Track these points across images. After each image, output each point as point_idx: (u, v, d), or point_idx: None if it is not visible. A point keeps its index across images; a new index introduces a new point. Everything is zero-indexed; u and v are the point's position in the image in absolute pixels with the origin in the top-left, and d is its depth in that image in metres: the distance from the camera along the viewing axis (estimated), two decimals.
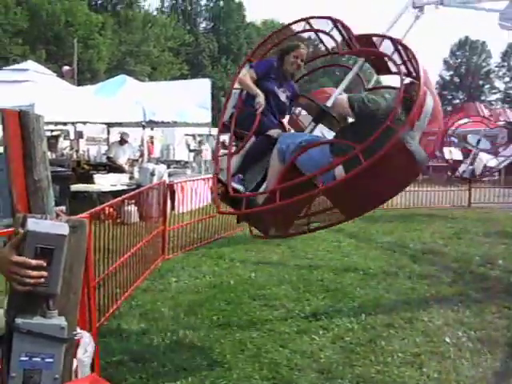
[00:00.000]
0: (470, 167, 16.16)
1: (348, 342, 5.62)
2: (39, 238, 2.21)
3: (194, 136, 31.02)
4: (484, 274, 8.55)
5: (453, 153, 17.75)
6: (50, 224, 2.30)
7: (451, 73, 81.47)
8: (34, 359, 2.22)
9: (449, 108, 74.32)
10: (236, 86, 5.59)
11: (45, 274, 2.18)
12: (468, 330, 6.00)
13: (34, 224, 2.24)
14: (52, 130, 20.94)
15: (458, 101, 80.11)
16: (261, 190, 5.16)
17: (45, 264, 2.19)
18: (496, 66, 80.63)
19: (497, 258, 9.55)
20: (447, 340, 5.70)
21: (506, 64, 79.20)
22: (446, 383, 4.71)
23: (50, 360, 2.24)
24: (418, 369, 4.97)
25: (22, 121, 3.17)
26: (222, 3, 70.78)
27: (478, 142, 16.74)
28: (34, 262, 2.17)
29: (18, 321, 2.22)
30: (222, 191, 5.27)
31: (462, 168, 16.46)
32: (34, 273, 2.17)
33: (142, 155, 16.46)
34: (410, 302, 7.06)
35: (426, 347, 5.51)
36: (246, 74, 5.45)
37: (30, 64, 14.85)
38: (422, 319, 6.34)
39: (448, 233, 12.07)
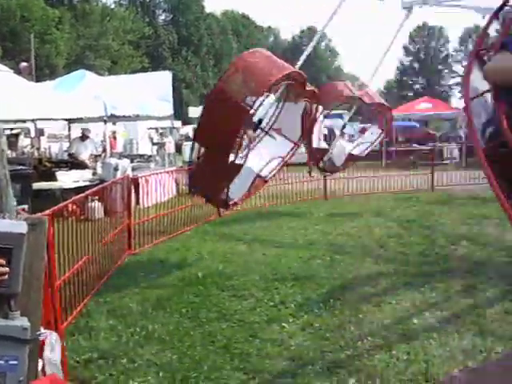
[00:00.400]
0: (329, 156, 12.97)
1: (317, 329, 5.65)
2: None
3: (156, 129, 30.75)
4: (448, 255, 8.68)
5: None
6: (8, 223, 2.25)
7: (410, 58, 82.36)
8: None
9: (410, 94, 75.26)
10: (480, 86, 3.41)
11: (6, 270, 2.13)
12: (435, 311, 6.09)
13: None
14: (12, 129, 20.52)
15: (418, 86, 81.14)
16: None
17: (4, 263, 2.15)
18: (454, 51, 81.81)
19: (461, 238, 9.71)
20: (415, 321, 5.78)
21: (463, 49, 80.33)
22: (415, 364, 4.77)
23: (14, 362, 2.20)
24: (388, 351, 5.01)
25: None
26: None
27: (344, 126, 14.11)
28: None
29: None
30: None
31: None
32: None
33: (104, 150, 16.25)
34: (377, 285, 7.14)
35: (394, 330, 5.58)
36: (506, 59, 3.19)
37: None
38: (390, 302, 6.41)
39: (413, 216, 12.22)
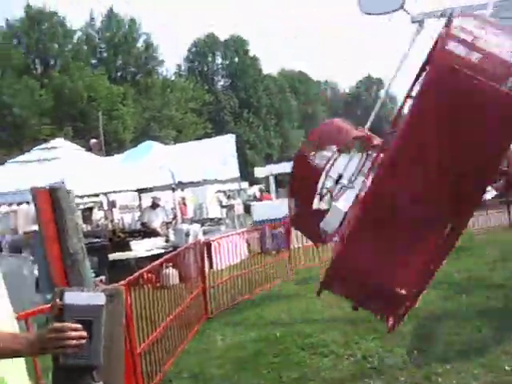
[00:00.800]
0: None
1: (403, 382, 5.45)
2: (77, 311, 2.21)
3: (224, 192, 31.21)
4: None
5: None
6: (87, 296, 2.30)
7: None
8: None
9: None
10: None
11: (84, 334, 2.17)
12: None
13: (71, 297, 2.24)
14: (85, 203, 21.27)
15: None
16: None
17: (85, 335, 2.19)
18: None
19: None
20: (507, 368, 5.49)
21: None
22: None
23: None
24: None
25: (53, 197, 3.22)
26: (237, 59, 72.20)
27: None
28: (72, 325, 2.16)
29: None
30: None
31: None
32: (74, 333, 2.15)
33: (175, 217, 16.57)
34: (462, 334, 6.85)
35: (486, 378, 5.31)
36: None
37: (58, 142, 15.27)
38: (478, 348, 6.13)
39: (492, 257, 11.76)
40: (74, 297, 2.26)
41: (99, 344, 2.25)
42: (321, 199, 9.33)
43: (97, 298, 2.28)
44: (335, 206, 9.12)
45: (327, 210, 8.76)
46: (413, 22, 10.24)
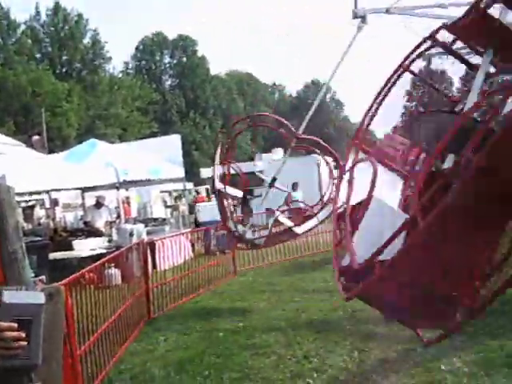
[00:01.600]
0: None
1: (343, 382, 5.55)
2: (15, 310, 2.17)
3: (169, 192, 31.00)
4: None
5: None
6: (26, 294, 2.27)
7: (415, 103, 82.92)
8: None
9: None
10: None
11: (22, 334, 2.13)
12: (463, 356, 5.95)
13: (9, 296, 2.20)
14: (27, 201, 20.78)
15: None
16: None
17: (24, 335, 2.15)
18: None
19: None
20: (443, 368, 5.65)
21: None
22: None
23: None
24: None
25: None
26: (185, 59, 71.85)
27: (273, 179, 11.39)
28: (9, 324, 2.12)
29: None
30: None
31: None
32: (10, 334, 2.11)
33: (118, 216, 16.38)
34: (401, 334, 6.99)
35: (422, 377, 5.46)
36: None
37: None
38: (414, 349, 6.28)
39: None
40: (12, 295, 2.22)
41: (38, 344, 2.22)
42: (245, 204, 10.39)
43: (36, 296, 2.25)
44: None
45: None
46: (355, 17, 10.06)
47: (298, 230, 10.02)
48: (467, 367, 5.64)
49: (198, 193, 29.47)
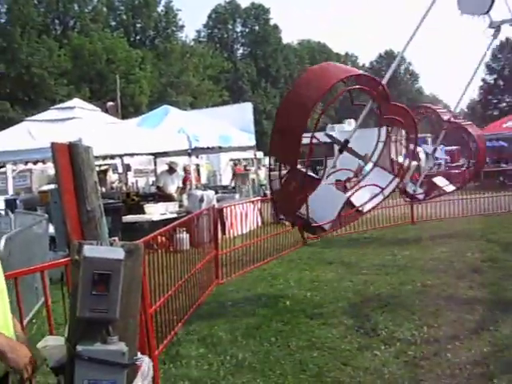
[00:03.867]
0: None
1: (412, 356, 5.46)
2: (96, 264, 2.21)
3: (239, 160, 31.18)
4: None
5: None
6: (106, 249, 2.30)
7: (495, 76, 79.85)
8: None
9: (495, 113, 72.83)
10: None
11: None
12: None
13: (90, 250, 2.25)
14: (100, 165, 21.34)
15: (504, 104, 78.38)
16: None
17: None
18: None
19: None
20: None
21: None
22: None
23: None
24: (489, 380, 4.77)
25: (72, 152, 3.20)
26: (257, 28, 71.50)
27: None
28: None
29: (79, 348, 2.22)
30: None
31: None
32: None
33: (188, 182, 16.60)
34: (473, 312, 6.83)
35: (494, 357, 5.30)
36: None
37: (75, 102, 15.20)
38: (488, 329, 6.11)
39: (508, 238, 11.71)
40: (92, 250, 2.26)
41: (116, 299, 2.25)
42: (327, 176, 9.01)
43: (116, 252, 2.28)
44: (339, 193, 8.92)
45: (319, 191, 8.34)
46: (491, 27, 10.64)
47: (365, 208, 8.87)
48: None
49: (235, 164, 28.69)
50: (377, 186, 8.75)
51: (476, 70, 11.68)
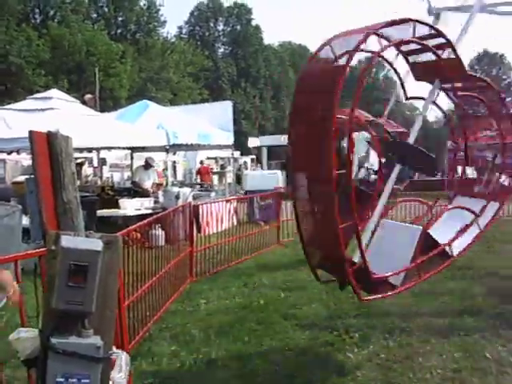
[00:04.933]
0: None
1: (384, 359, 5.48)
2: (73, 255, 2.16)
3: (216, 159, 31.14)
4: None
5: None
6: (84, 240, 2.26)
7: None
8: (71, 380, 2.16)
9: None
10: None
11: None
12: (507, 343, 5.81)
13: (68, 240, 2.19)
14: (76, 158, 21.12)
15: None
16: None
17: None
18: None
19: None
20: (487, 355, 5.51)
21: None
22: None
23: (87, 381, 2.19)
24: None
25: (50, 142, 3.14)
26: (239, 27, 71.45)
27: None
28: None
29: (53, 340, 2.17)
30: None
31: None
32: None
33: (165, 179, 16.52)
34: (445, 317, 6.88)
35: (465, 363, 5.34)
36: None
37: (53, 92, 14.99)
38: (459, 333, 6.16)
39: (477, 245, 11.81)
40: (70, 240, 2.21)
41: (93, 291, 2.21)
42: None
43: (94, 243, 2.24)
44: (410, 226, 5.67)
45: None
46: (430, 14, 10.27)
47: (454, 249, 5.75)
48: None
49: (201, 162, 27.85)
50: (468, 210, 5.92)
51: None
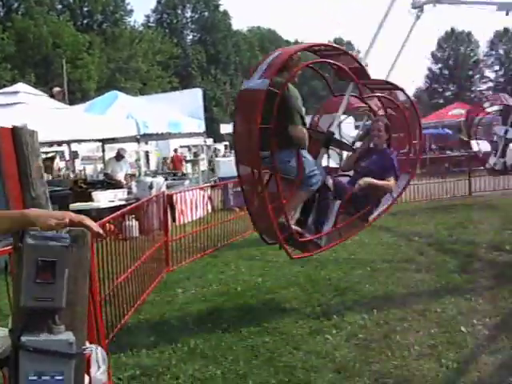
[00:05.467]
0: (502, 159, 15.41)
1: (362, 339, 5.53)
2: (40, 251, 2.12)
3: (188, 147, 31.00)
4: (492, 261, 8.47)
5: (481, 145, 16.94)
6: (50, 236, 2.21)
7: (440, 66, 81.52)
8: (44, 378, 2.13)
9: (440, 101, 74.33)
10: None
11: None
12: (482, 318, 5.91)
13: (34, 237, 2.15)
14: (47, 152, 20.88)
15: (449, 93, 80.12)
16: (324, 229, 6.44)
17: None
18: (484, 56, 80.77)
19: (503, 244, 9.47)
20: (463, 329, 5.60)
21: (493, 53, 79.41)
22: (466, 373, 4.62)
23: (60, 378, 2.15)
24: (437, 360, 4.87)
25: (16, 136, 3.08)
26: (207, 14, 70.94)
27: (506, 132, 15.48)
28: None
29: (24, 339, 2.13)
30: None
31: (492, 160, 15.77)
32: None
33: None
34: (420, 294, 6.98)
35: (441, 338, 5.41)
36: None
37: (20, 86, 14.77)
38: (435, 310, 6.25)
39: (451, 223, 11.99)
40: (36, 237, 2.17)
41: (62, 286, 2.18)
42: None
43: (61, 239, 2.20)
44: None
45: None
46: (414, 7, 10.40)
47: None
48: (487, 330, 5.60)
49: (175, 150, 27.43)
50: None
51: (398, 53, 10.78)
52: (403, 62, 10.01)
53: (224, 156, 31.71)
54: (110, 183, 14.48)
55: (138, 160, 17.49)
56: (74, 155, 22.59)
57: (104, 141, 17.07)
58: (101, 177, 17.93)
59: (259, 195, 6.08)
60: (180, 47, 65.89)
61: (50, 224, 2.15)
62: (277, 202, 5.87)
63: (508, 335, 5.33)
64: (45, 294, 2.12)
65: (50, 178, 18.42)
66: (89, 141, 17.61)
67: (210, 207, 14.04)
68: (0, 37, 45.58)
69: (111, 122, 13.51)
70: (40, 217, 2.16)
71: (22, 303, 2.13)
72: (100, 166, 22.30)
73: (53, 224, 2.15)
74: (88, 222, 2.28)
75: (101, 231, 2.24)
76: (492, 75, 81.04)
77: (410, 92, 77.91)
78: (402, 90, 7.17)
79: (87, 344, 2.44)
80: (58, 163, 23.59)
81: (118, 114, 13.96)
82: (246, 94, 6.32)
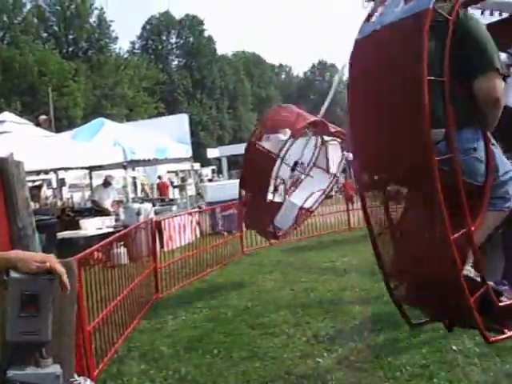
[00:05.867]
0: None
1: (354, 361, 5.51)
2: (23, 284, 2.11)
3: (176, 172, 30.99)
4: None
5: None
6: None
7: None
8: None
9: None
10: None
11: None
12: (473, 336, 5.90)
13: (18, 271, 2.14)
14: (34, 181, 20.78)
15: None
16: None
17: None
18: None
19: None
20: (454, 348, 5.60)
21: None
22: None
23: None
24: (429, 380, 4.86)
25: (1, 168, 3.07)
26: (192, 39, 71.40)
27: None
28: None
29: (10, 373, 2.11)
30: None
31: None
32: None
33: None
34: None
35: (433, 358, 5.40)
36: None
37: (5, 115, 14.76)
38: (426, 331, 6.23)
39: None
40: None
41: (47, 320, 2.16)
42: (275, 190, 9.64)
43: (46, 272, 2.19)
44: (290, 201, 9.90)
45: (281, 204, 9.60)
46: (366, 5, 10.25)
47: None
48: (478, 348, 5.59)
49: (159, 177, 27.01)
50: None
51: None
52: None
53: (211, 180, 31.71)
54: (97, 210, 14.41)
55: (125, 186, 17.43)
56: (62, 183, 22.50)
57: (91, 168, 17.02)
58: (88, 204, 17.84)
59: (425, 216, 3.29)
60: (166, 73, 66.11)
61: (31, 268, 2.14)
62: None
63: (498, 353, 5.33)
64: (29, 327, 2.10)
65: (38, 206, 18.31)
66: (76, 168, 17.53)
67: (198, 232, 14.02)
68: None
69: (98, 149, 13.47)
70: (22, 261, 2.16)
71: (8, 338, 2.11)
72: (87, 193, 22.21)
73: (34, 268, 2.14)
74: (59, 269, 2.27)
75: (67, 284, 2.23)
76: None
77: None
78: None
79: (75, 376, 2.42)
80: (46, 191, 23.44)
81: (104, 140, 13.93)
82: (380, 35, 3.24)
